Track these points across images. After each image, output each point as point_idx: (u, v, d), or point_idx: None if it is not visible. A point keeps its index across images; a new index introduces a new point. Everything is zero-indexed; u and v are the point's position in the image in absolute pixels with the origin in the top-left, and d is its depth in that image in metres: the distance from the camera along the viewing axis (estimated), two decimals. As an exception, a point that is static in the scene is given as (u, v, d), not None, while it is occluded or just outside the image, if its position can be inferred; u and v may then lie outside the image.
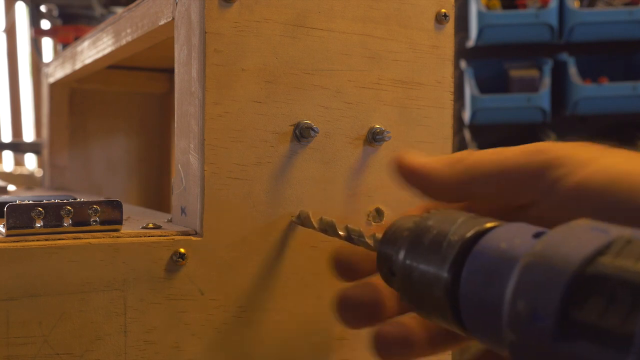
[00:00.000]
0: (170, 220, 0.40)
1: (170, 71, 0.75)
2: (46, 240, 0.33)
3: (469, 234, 0.25)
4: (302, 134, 0.37)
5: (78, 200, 0.36)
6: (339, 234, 0.34)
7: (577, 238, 0.20)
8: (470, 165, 0.30)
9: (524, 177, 0.29)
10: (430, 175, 0.31)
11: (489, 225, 0.25)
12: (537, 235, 0.22)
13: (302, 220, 0.36)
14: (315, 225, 0.35)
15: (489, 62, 2.12)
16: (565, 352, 0.19)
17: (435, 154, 0.42)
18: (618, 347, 0.18)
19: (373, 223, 0.40)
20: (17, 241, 0.32)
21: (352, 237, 0.33)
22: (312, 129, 0.37)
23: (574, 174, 0.27)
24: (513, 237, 0.23)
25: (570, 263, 0.19)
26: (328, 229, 0.35)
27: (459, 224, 0.25)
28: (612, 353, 0.18)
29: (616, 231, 0.20)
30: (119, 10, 1.09)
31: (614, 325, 0.18)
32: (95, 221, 0.35)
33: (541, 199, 0.28)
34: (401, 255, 0.27)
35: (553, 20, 1.98)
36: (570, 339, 0.19)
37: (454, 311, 0.24)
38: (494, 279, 0.22)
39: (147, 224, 0.37)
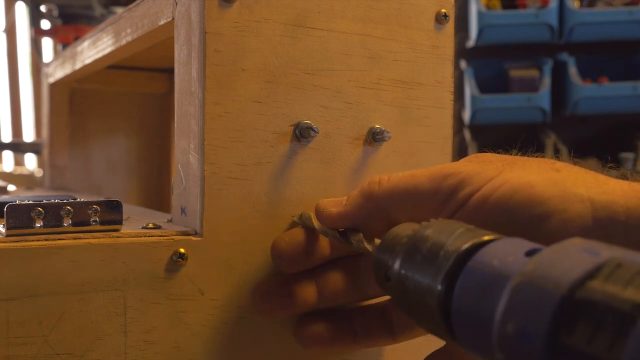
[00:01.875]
0: (170, 220, 0.40)
1: (170, 71, 0.75)
2: (46, 240, 0.33)
3: (464, 247, 0.25)
4: (302, 134, 0.37)
5: (78, 200, 0.36)
6: (338, 236, 0.34)
7: (568, 259, 0.20)
8: (383, 195, 0.33)
9: (435, 202, 0.31)
10: (347, 219, 0.35)
11: (486, 238, 0.25)
12: (529, 254, 0.22)
13: (304, 221, 0.36)
14: (317, 226, 0.35)
15: (489, 62, 2.12)
16: None
17: (435, 154, 0.42)
18: None
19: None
20: (17, 241, 0.32)
21: (350, 240, 0.33)
22: (312, 129, 0.37)
23: (478, 191, 0.30)
24: (506, 254, 0.23)
25: (560, 286, 0.19)
26: (328, 231, 0.35)
27: (457, 235, 0.25)
28: None
29: (607, 253, 0.20)
30: (119, 10, 1.09)
31: (601, 352, 0.18)
32: (95, 221, 0.35)
33: (454, 216, 0.30)
34: (397, 263, 0.27)
35: (553, 20, 1.98)
36: None
37: (446, 322, 0.24)
38: (485, 296, 0.22)
39: (147, 224, 0.37)
